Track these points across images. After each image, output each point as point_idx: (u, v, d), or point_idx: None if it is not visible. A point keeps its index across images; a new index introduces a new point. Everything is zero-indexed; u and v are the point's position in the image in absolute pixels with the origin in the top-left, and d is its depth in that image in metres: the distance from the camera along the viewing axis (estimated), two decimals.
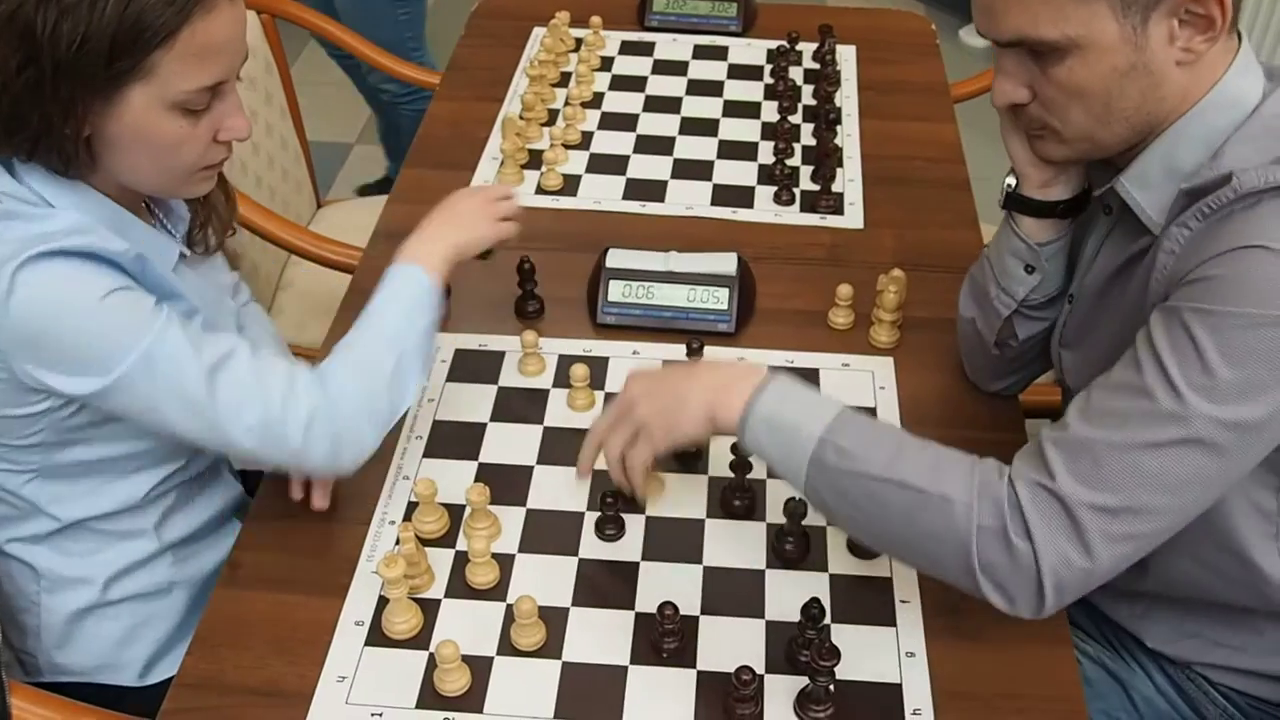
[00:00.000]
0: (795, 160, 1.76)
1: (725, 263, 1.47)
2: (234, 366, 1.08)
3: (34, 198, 1.05)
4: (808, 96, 1.91)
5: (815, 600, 1.05)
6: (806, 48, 2.01)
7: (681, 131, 1.83)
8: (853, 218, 1.66)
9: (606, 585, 1.16)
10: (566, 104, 1.86)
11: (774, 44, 2.02)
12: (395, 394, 1.16)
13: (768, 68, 1.98)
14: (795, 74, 1.96)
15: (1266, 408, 0.91)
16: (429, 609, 1.13)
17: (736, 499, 1.22)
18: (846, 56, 2.02)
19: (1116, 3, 0.95)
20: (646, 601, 1.13)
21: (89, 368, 1.04)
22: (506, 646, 1.10)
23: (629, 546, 1.19)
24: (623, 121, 1.85)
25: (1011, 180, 1.18)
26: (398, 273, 1.20)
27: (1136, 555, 0.97)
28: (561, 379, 1.38)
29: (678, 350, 1.38)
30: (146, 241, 1.13)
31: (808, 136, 1.81)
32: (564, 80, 1.94)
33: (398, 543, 1.17)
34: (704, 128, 1.84)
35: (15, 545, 1.21)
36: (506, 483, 1.25)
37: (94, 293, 1.03)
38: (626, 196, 1.70)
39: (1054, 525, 0.93)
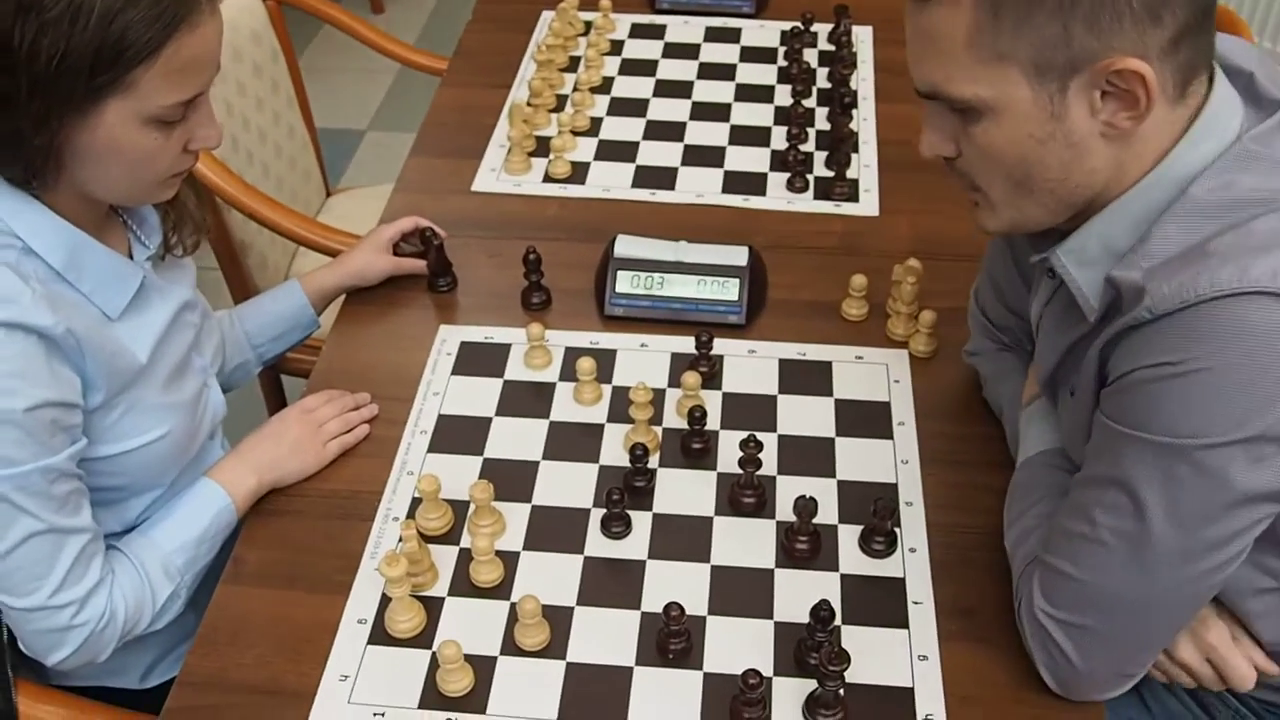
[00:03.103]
0: (809, 146, 1.72)
1: (736, 253, 1.44)
2: (51, 543, 1.04)
3: None
4: (822, 79, 1.88)
5: (825, 602, 1.03)
6: (821, 29, 1.97)
7: (692, 117, 1.80)
8: (868, 205, 1.63)
9: (612, 584, 1.14)
10: (575, 89, 1.83)
11: (788, 25, 1.98)
12: (155, 620, 1.15)
13: (781, 50, 1.95)
14: (810, 56, 1.92)
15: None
16: (432, 607, 1.12)
17: (746, 496, 1.20)
18: (863, 38, 1.98)
19: (1030, 68, 0.88)
20: (653, 601, 1.11)
21: None
22: (510, 646, 1.08)
23: (635, 544, 1.17)
24: (632, 107, 1.82)
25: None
26: (203, 493, 1.19)
27: (1131, 663, 1.01)
28: (568, 372, 1.36)
29: (687, 343, 1.36)
30: (102, 272, 1.08)
31: (822, 121, 1.78)
32: (573, 65, 1.91)
33: (400, 541, 1.15)
34: (716, 113, 1.81)
35: None
36: (511, 478, 1.23)
37: (19, 402, 0.98)
38: (636, 184, 1.67)
39: (1039, 638, 1.02)
